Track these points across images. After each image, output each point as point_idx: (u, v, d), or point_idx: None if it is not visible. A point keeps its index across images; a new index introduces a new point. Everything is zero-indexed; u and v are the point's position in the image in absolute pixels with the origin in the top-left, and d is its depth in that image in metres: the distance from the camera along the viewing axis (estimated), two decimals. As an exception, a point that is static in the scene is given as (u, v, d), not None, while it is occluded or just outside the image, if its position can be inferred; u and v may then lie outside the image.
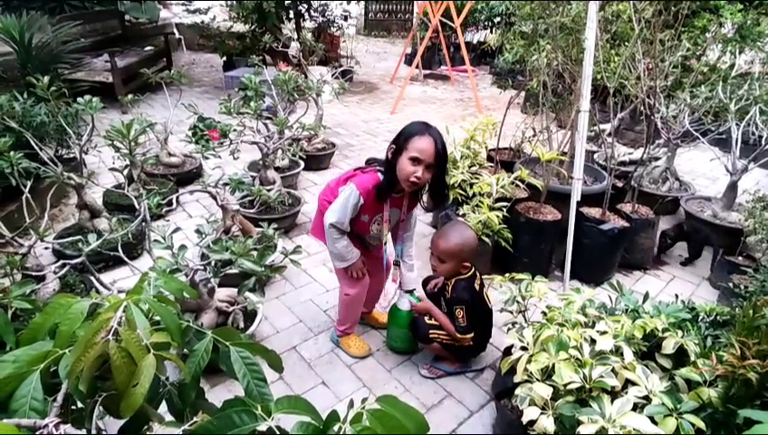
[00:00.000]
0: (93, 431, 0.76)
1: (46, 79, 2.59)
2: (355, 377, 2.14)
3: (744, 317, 1.40)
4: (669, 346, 1.53)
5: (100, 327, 0.78)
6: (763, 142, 3.19)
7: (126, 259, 1.90)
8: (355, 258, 1.98)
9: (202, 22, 7.33)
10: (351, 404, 0.67)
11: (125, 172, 2.34)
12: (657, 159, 3.92)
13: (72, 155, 3.57)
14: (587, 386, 1.36)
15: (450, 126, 3.44)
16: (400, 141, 1.81)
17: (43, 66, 4.22)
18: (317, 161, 4.33)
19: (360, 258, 2.01)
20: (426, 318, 2.09)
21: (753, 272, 2.27)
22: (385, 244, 2.12)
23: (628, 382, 1.42)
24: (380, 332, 2.41)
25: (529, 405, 1.42)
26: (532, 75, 3.74)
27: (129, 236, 2.57)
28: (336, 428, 0.63)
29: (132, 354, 0.75)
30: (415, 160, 1.78)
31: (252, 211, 2.92)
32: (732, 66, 3.80)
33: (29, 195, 2.36)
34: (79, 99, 2.45)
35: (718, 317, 1.82)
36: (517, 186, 3.01)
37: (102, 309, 0.88)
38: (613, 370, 1.41)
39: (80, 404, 0.89)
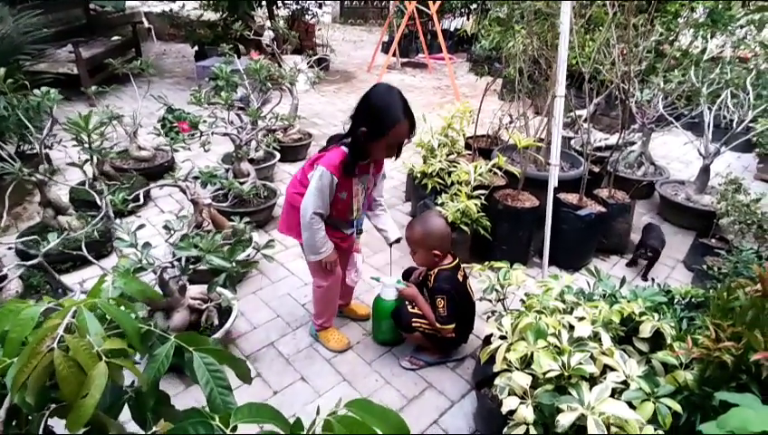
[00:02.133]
0: (41, 447, 0.70)
1: (2, 70, 2.44)
2: (335, 371, 2.11)
3: (718, 300, 1.41)
4: (646, 330, 1.54)
5: (45, 335, 0.72)
6: (734, 126, 3.24)
7: (91, 258, 1.82)
8: (329, 250, 1.93)
9: (171, 10, 7.09)
10: (318, 411, 0.63)
11: (87, 167, 2.24)
12: (632, 143, 3.96)
13: (35, 151, 3.41)
14: (566, 374, 1.36)
15: (428, 114, 3.41)
16: (379, 127, 1.72)
17: (3, 58, 4.01)
18: (293, 152, 4.24)
19: (333, 251, 1.96)
20: (409, 307, 2.07)
21: (726, 253, 2.31)
22: (355, 217, 2.05)
23: (606, 368, 1.41)
24: (360, 324, 2.38)
25: (508, 395, 1.40)
26: (509, 62, 3.72)
27: (96, 234, 2.47)
28: (301, 436, 0.59)
29: (81, 363, 0.70)
30: (393, 146, 1.77)
31: (225, 205, 2.84)
32: (703, 51, 3.84)
33: (-14, 193, 2.24)
34: (35, 90, 2.32)
35: (693, 299, 1.85)
36: (495, 173, 2.99)
37: (53, 315, 0.83)
38: (592, 356, 1.41)
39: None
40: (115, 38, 6.72)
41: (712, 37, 3.98)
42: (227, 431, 0.60)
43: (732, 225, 2.70)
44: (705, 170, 3.37)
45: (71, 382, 0.68)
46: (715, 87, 3.33)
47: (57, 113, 2.58)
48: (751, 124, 3.23)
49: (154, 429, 0.75)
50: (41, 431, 0.73)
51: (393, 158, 1.88)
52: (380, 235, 2.16)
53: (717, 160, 3.42)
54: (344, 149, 1.83)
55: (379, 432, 0.62)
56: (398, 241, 2.14)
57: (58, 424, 0.82)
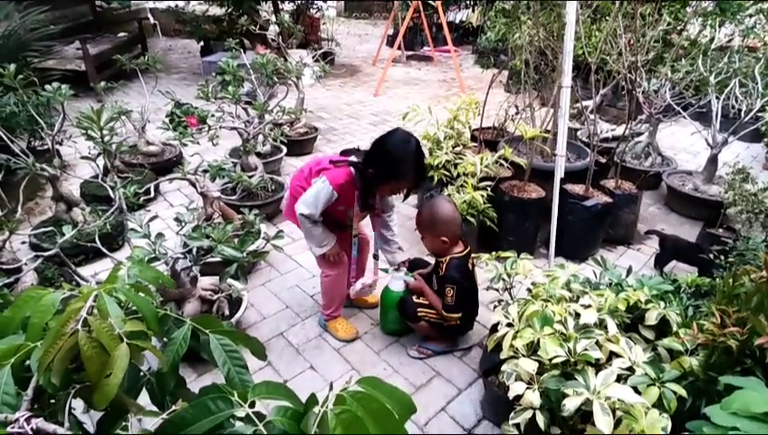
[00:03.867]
0: (66, 424, 0.73)
1: (12, 67, 2.48)
2: (343, 360, 2.14)
3: (724, 286, 1.42)
4: (652, 317, 1.55)
5: (69, 318, 0.75)
6: (742, 115, 3.22)
7: (105, 250, 1.86)
8: (331, 243, 1.99)
9: (176, 6, 7.11)
10: (331, 387, 0.66)
11: (98, 161, 2.28)
12: (639, 134, 3.95)
13: (46, 146, 3.46)
14: (572, 360, 1.37)
15: (433, 107, 3.41)
16: (388, 173, 1.80)
17: (11, 55, 4.05)
18: (300, 146, 4.27)
19: (336, 243, 2.01)
20: (414, 297, 2.09)
21: (733, 243, 2.30)
22: (355, 235, 2.12)
23: (612, 354, 1.43)
24: (368, 314, 2.41)
25: (515, 380, 1.42)
26: (515, 53, 3.71)
27: (108, 227, 2.51)
28: (315, 410, 0.61)
29: (104, 344, 0.72)
30: (397, 190, 1.91)
31: (234, 198, 2.88)
32: (712, 40, 3.81)
33: (0, 188, 2.28)
34: (47, 86, 2.36)
35: (699, 288, 1.85)
36: (501, 165, 3.00)
37: (74, 300, 0.86)
38: (597, 343, 1.43)
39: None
40: (121, 34, 6.77)
41: (720, 26, 3.95)
42: (245, 406, 0.63)
43: (739, 214, 2.70)
44: (712, 160, 3.36)
45: (95, 362, 0.71)
46: (723, 76, 3.31)
47: (66, 109, 2.62)
48: (759, 114, 3.21)
49: (173, 407, 0.77)
50: (67, 409, 0.76)
51: (402, 199, 2.00)
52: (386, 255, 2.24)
53: (725, 150, 3.40)
54: (352, 170, 1.89)
55: (390, 406, 0.64)
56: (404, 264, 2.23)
57: (77, 405, 0.86)
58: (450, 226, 2.00)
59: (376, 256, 2.22)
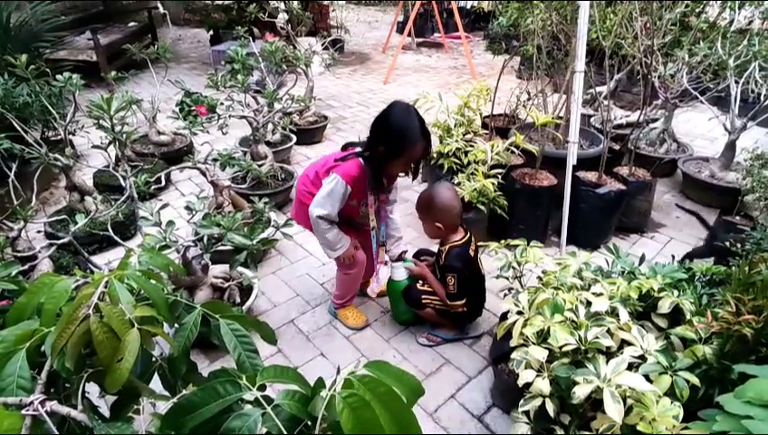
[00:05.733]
0: (80, 407, 0.75)
1: (24, 57, 2.50)
2: (353, 347, 2.15)
3: (739, 274, 1.39)
4: (665, 306, 1.53)
5: (80, 303, 0.76)
6: (761, 99, 3.13)
7: (117, 239, 1.88)
8: (346, 246, 1.98)
9: (186, -6, 7.10)
10: (339, 371, 0.66)
11: (110, 150, 2.30)
12: (654, 120, 3.87)
13: (59, 137, 3.50)
14: (582, 347, 1.36)
15: (444, 94, 3.37)
16: (397, 147, 1.78)
17: (23, 46, 4.09)
18: (309, 135, 4.26)
19: (351, 244, 2.00)
20: (418, 284, 2.09)
21: (751, 231, 2.26)
22: (373, 227, 2.10)
23: (623, 343, 1.42)
24: (378, 302, 2.42)
25: (525, 368, 1.42)
26: (527, 38, 3.64)
27: (121, 216, 2.55)
28: (323, 394, 0.61)
29: (115, 329, 0.73)
30: (409, 164, 1.85)
31: (244, 187, 2.89)
32: (731, 22, 3.70)
33: (15, 178, 2.32)
34: (58, 76, 2.38)
35: (714, 276, 1.82)
36: (512, 152, 2.96)
37: (85, 286, 0.87)
38: (608, 331, 1.41)
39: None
40: (131, 24, 6.79)
41: (740, 8, 3.82)
42: (254, 389, 0.63)
43: (757, 202, 2.64)
44: (730, 146, 3.28)
45: (106, 347, 0.72)
46: (742, 60, 3.21)
47: (78, 100, 2.64)
48: (780, 98, 3.11)
49: (183, 392, 0.79)
50: (80, 392, 0.77)
51: (411, 178, 1.97)
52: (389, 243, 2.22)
53: (744, 136, 3.32)
54: (361, 161, 1.87)
55: (398, 390, 0.64)
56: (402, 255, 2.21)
57: (90, 389, 0.87)
58: (446, 212, 1.99)
59: (383, 244, 2.21)
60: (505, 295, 1.96)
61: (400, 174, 1.96)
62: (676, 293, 1.57)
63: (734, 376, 1.20)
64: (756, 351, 1.24)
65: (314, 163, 2.05)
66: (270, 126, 3.62)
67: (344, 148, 2.01)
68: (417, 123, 1.78)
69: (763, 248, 2.07)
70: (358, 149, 1.91)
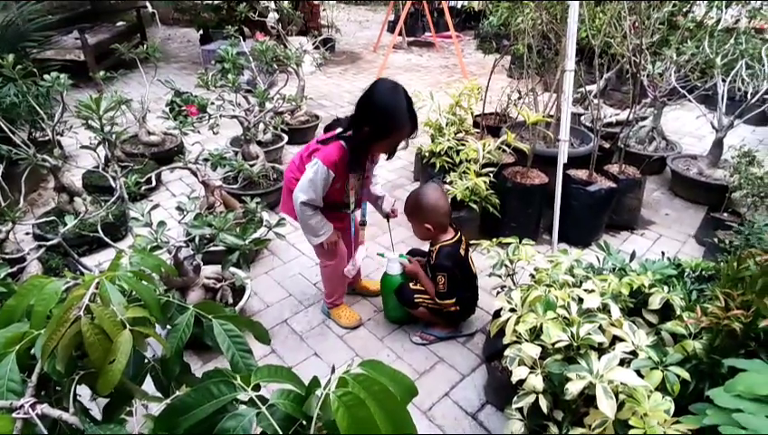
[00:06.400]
0: (72, 410, 0.74)
1: (11, 57, 2.47)
2: (347, 347, 2.15)
3: (728, 270, 1.41)
4: (655, 302, 1.55)
5: (71, 304, 0.75)
6: (748, 98, 3.17)
7: (108, 240, 1.86)
8: (329, 232, 1.96)
9: (175, -6, 7.04)
10: (333, 370, 0.66)
11: (99, 151, 2.27)
12: (643, 118, 3.91)
13: (47, 137, 3.46)
14: (575, 344, 1.37)
15: (435, 93, 3.38)
16: (383, 128, 1.73)
17: (10, 46, 4.03)
18: (301, 134, 4.25)
19: (334, 232, 1.99)
20: (411, 284, 2.10)
21: (739, 227, 2.29)
22: (353, 210, 2.07)
23: (615, 339, 1.43)
24: (371, 301, 2.42)
25: (518, 365, 1.43)
26: (517, 37, 3.66)
27: (111, 217, 2.52)
28: (318, 393, 0.61)
29: (106, 331, 0.73)
30: (395, 145, 1.82)
31: (235, 187, 2.87)
32: (718, 21, 3.75)
33: (2, 180, 2.29)
34: (46, 76, 2.35)
35: (704, 272, 1.84)
36: (504, 151, 2.98)
37: (76, 287, 0.86)
38: (600, 327, 1.42)
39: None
40: (120, 24, 6.72)
41: (727, 8, 3.87)
42: (248, 389, 0.63)
43: (744, 198, 2.67)
44: (718, 144, 3.32)
45: (98, 349, 0.71)
46: (729, 58, 3.25)
47: (66, 100, 2.61)
48: (766, 96, 3.16)
49: (177, 393, 0.78)
50: (71, 395, 0.76)
51: (386, 158, 1.93)
52: (376, 209, 2.19)
53: (731, 134, 3.36)
54: (343, 144, 1.81)
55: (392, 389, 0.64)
56: (393, 213, 2.17)
57: (82, 392, 0.86)
58: (434, 213, 1.98)
59: (363, 223, 2.17)
60: (498, 293, 1.97)
61: (382, 154, 1.92)
62: (666, 289, 1.59)
63: (723, 370, 1.22)
64: (745, 345, 1.26)
65: (301, 149, 2.01)
66: (261, 126, 3.60)
67: (328, 127, 1.96)
68: (404, 103, 1.71)
69: (752, 244, 2.10)
70: (338, 130, 1.85)
